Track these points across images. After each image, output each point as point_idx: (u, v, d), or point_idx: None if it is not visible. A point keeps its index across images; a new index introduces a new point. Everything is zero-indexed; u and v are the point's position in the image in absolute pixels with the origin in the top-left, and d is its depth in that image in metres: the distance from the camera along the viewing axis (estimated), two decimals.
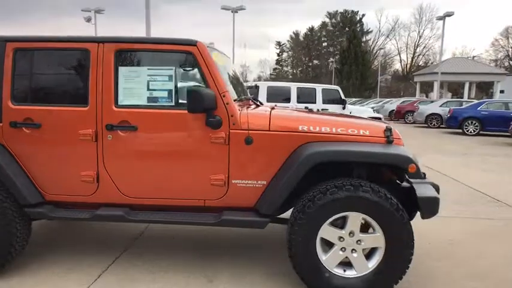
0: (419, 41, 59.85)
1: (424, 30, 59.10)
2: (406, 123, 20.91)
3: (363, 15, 67.53)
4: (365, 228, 2.69)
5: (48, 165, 2.91)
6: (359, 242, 2.67)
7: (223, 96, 2.77)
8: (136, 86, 2.84)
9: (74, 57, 2.88)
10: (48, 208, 2.92)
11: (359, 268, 2.70)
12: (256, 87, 9.56)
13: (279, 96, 9.64)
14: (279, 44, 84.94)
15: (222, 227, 2.89)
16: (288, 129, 2.80)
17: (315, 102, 9.96)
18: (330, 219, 2.64)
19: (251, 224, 2.79)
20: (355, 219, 2.64)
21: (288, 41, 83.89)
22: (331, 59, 59.81)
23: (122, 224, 3.84)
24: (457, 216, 4.70)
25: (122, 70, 2.83)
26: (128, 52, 2.85)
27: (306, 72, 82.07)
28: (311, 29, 79.28)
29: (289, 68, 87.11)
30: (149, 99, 2.83)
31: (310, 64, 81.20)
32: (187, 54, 2.81)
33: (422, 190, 2.76)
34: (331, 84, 55.10)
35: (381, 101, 28.69)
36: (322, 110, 9.91)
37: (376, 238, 2.64)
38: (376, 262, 2.67)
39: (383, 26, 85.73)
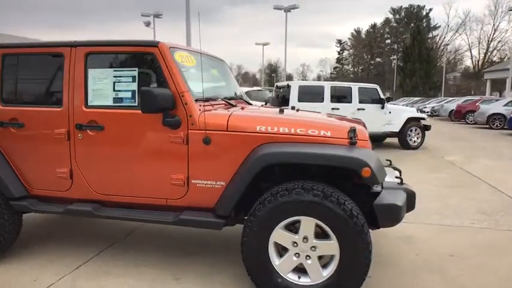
0: (493, 35, 54.92)
1: (499, 23, 54.17)
2: (467, 123, 19.27)
3: (430, 9, 63.72)
4: (324, 234, 2.55)
5: (30, 162, 3.15)
6: (313, 248, 2.54)
7: (182, 96, 2.79)
8: (103, 87, 2.96)
9: (51, 61, 3.08)
10: (31, 202, 3.16)
11: (313, 276, 2.56)
12: (288, 86, 9.43)
13: (311, 95, 9.42)
14: (339, 42, 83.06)
15: (180, 226, 2.90)
16: (246, 129, 2.74)
17: (351, 102, 9.58)
18: (282, 223, 2.54)
19: (206, 225, 2.78)
20: (308, 224, 2.51)
21: (349, 38, 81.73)
22: (394, 57, 57.07)
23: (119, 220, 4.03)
24: (471, 225, 4.26)
25: (91, 72, 2.97)
26: (97, 55, 2.98)
27: (368, 70, 79.29)
28: (373, 26, 76.43)
29: (350, 66, 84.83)
30: (115, 99, 2.94)
31: (372, 62, 78.30)
32: (149, 55, 2.87)
33: (387, 196, 2.57)
34: (393, 83, 52.59)
35: (443, 100, 26.79)
36: (358, 109, 9.53)
37: (331, 245, 2.49)
38: (331, 271, 2.52)
39: (452, 20, 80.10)
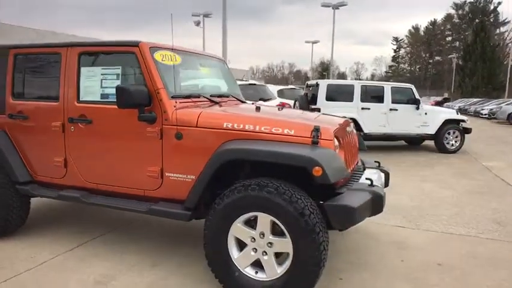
0: None
1: None
2: None
3: (499, 3, 59.06)
4: (281, 231, 2.57)
5: (34, 151, 3.49)
6: (270, 244, 2.57)
7: (158, 93, 2.94)
8: (93, 84, 3.20)
9: (51, 60, 3.38)
10: (33, 187, 3.50)
11: (268, 272, 2.60)
12: (317, 85, 9.32)
13: (340, 94, 9.23)
14: (396, 39, 79.77)
15: (153, 216, 3.05)
16: (214, 126, 2.83)
17: (382, 102, 9.26)
18: (241, 218, 2.60)
19: (174, 216, 2.91)
20: (264, 220, 2.55)
21: (407, 36, 78.20)
22: (453, 55, 53.64)
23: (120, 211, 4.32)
24: (477, 235, 3.99)
25: (83, 70, 3.23)
26: (88, 54, 3.23)
27: (425, 69, 75.35)
28: (433, 23, 72.49)
29: (406, 65, 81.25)
30: (102, 95, 3.17)
31: (431, 61, 74.33)
32: (131, 54, 3.06)
33: (346, 197, 2.54)
34: (452, 82, 49.42)
35: (504, 102, 24.79)
36: (391, 110, 9.20)
37: (285, 243, 2.51)
38: (284, 268, 2.54)
39: None
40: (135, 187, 3.11)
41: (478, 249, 3.65)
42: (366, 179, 2.82)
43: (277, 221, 2.50)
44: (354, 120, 8.94)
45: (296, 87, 12.47)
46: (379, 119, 9.20)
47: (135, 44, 3.03)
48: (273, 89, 11.79)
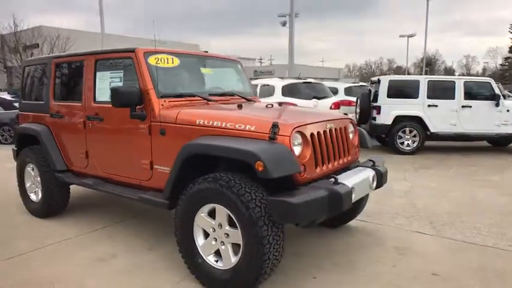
0: None
1: None
2: None
3: None
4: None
5: (67, 144, 4.13)
6: (226, 235, 2.70)
7: (147, 93, 3.26)
8: (104, 86, 3.68)
9: (79, 67, 3.95)
10: (67, 175, 4.14)
11: (225, 261, 2.73)
12: (378, 81, 8.83)
13: (403, 91, 8.61)
14: None
15: (142, 203, 3.38)
16: (189, 122, 3.04)
17: (453, 98, 8.39)
18: (203, 209, 2.77)
19: (155, 204, 3.20)
20: (221, 211, 2.68)
21: None
22: None
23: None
24: (504, 248, 3.49)
25: (98, 75, 3.73)
26: (101, 61, 3.72)
27: None
28: None
29: None
30: (109, 96, 3.61)
31: None
32: (129, 59, 3.44)
33: (292, 193, 2.55)
34: None
35: None
36: (464, 107, 8.32)
37: (237, 234, 2.61)
38: (237, 259, 2.64)
39: None
40: (134, 177, 3.49)
41: (493, 263, 3.22)
42: (332, 176, 2.75)
43: (230, 213, 2.61)
44: (419, 119, 8.33)
45: (366, 84, 11.91)
46: (448, 117, 8.38)
47: (132, 50, 3.40)
48: (341, 86, 11.50)
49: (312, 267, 3.13)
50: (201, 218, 2.80)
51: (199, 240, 2.86)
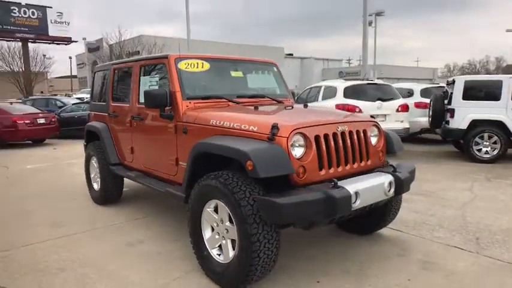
0: None
1: None
2: None
3: None
4: None
5: (120, 140, 4.64)
6: (227, 230, 2.82)
7: (174, 95, 3.55)
8: (144, 89, 4.06)
9: (129, 73, 4.42)
10: (118, 168, 4.65)
11: (225, 256, 2.85)
12: (453, 82, 8.05)
13: (482, 92, 7.72)
14: None
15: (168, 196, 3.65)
16: (204, 122, 3.24)
17: None
18: (209, 204, 2.94)
19: (175, 197, 3.44)
20: (222, 208, 2.82)
21: None
22: None
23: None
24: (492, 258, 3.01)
25: (142, 79, 4.14)
26: (144, 67, 4.12)
27: None
28: None
29: None
30: (144, 98, 3.97)
31: None
32: (164, 64, 3.76)
33: (283, 194, 2.57)
34: None
35: None
36: None
37: (234, 230, 2.72)
38: (234, 254, 2.74)
39: None
40: (165, 172, 3.81)
41: (471, 268, 2.82)
42: (330, 181, 2.68)
43: (228, 209, 2.73)
44: (500, 123, 7.46)
45: (443, 85, 10.91)
46: None
47: (165, 56, 3.72)
48: (417, 88, 10.75)
49: (319, 272, 3.08)
50: (207, 212, 2.96)
51: (207, 234, 3.02)
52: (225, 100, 3.72)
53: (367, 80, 9.00)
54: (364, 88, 8.39)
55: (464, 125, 7.72)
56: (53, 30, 37.32)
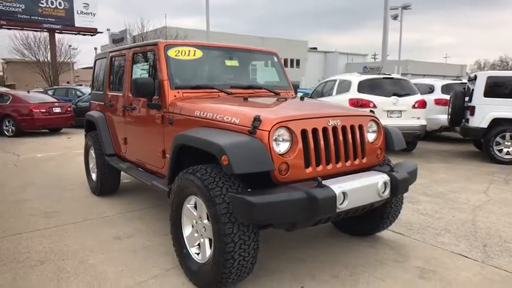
0: None
1: None
2: None
3: None
4: None
5: (115, 131, 4.54)
6: (204, 228, 2.66)
7: (162, 84, 3.39)
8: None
9: (123, 61, 4.30)
10: (113, 159, 4.55)
11: (202, 255, 2.69)
12: (475, 78, 7.58)
13: (505, 89, 7.22)
14: None
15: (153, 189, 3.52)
16: (189, 113, 3.07)
17: None
18: (188, 200, 2.78)
19: (160, 190, 3.30)
20: (200, 204, 2.65)
21: None
22: None
23: None
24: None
25: (134, 67, 4.01)
26: (136, 54, 3.98)
27: None
28: None
29: None
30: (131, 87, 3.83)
31: None
32: (153, 52, 3.61)
33: (261, 192, 2.38)
34: None
35: None
36: None
37: (211, 229, 2.55)
38: (210, 254, 2.58)
39: None
40: (154, 164, 3.68)
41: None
42: (315, 179, 2.46)
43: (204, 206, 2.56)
44: None
45: (466, 81, 10.35)
46: None
47: (155, 43, 3.57)
48: (437, 83, 10.25)
49: (306, 276, 2.88)
50: (187, 208, 2.81)
51: (186, 231, 2.87)
52: (216, 90, 3.54)
53: (384, 74, 8.59)
54: (379, 83, 8.02)
55: (484, 124, 7.27)
56: (79, 21, 37.86)
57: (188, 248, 2.83)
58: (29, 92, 12.63)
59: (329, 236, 3.66)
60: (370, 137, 3.05)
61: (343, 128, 2.81)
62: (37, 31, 35.80)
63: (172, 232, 2.95)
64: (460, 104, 7.87)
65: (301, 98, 3.57)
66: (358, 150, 2.89)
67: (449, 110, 8.19)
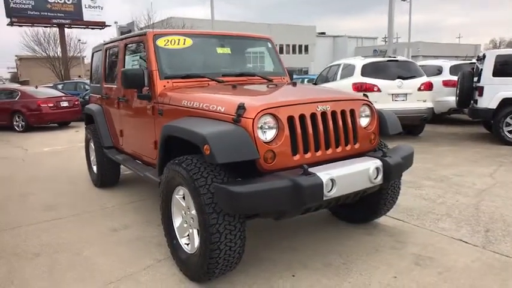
0: None
1: None
2: None
3: None
4: None
5: (112, 123, 4.53)
6: (193, 219, 2.63)
7: (152, 74, 3.35)
8: None
9: (117, 52, 4.25)
10: (111, 151, 4.56)
11: (191, 246, 2.67)
12: (484, 57, 7.32)
13: None
14: None
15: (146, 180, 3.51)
16: (177, 103, 3.03)
17: None
18: (176, 191, 2.75)
19: (151, 181, 3.29)
20: (187, 195, 2.62)
21: None
22: None
23: None
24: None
25: (127, 59, 3.97)
26: (128, 45, 3.93)
27: None
28: None
29: None
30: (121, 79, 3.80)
31: None
32: (143, 42, 3.56)
33: (246, 181, 2.32)
34: None
35: None
36: None
37: (197, 219, 2.52)
38: (197, 245, 2.56)
39: None
40: (147, 155, 3.66)
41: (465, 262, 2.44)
42: (301, 167, 2.39)
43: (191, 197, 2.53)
44: None
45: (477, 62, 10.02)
46: None
47: (144, 33, 3.51)
48: (446, 64, 9.96)
49: (298, 265, 2.84)
50: (176, 199, 2.78)
51: (177, 222, 2.85)
52: (207, 79, 3.48)
53: (389, 56, 8.38)
54: (384, 66, 7.84)
55: (494, 104, 7.05)
56: (87, 15, 37.99)
57: (178, 239, 2.81)
58: (36, 87, 12.78)
59: (326, 224, 3.61)
60: (363, 121, 2.96)
61: (333, 113, 2.73)
62: (47, 27, 36.04)
63: (164, 223, 2.94)
64: (468, 84, 7.65)
65: (293, 84, 3.48)
66: (349, 136, 2.81)
67: (457, 91, 7.97)
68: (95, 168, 5.08)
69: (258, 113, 2.42)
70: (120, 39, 4.11)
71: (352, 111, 2.84)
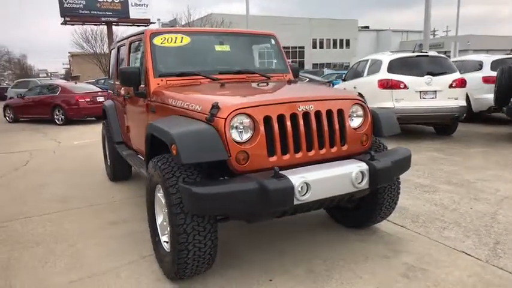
0: None
1: None
2: None
3: None
4: None
5: (121, 120, 4.66)
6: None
7: (147, 72, 3.38)
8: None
9: (124, 50, 4.35)
10: (121, 147, 4.69)
11: (168, 244, 2.67)
12: None
13: None
14: None
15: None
16: (165, 102, 3.04)
17: None
18: (157, 189, 2.76)
19: (143, 175, 3.32)
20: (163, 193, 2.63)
21: None
22: None
23: None
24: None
25: (131, 57, 4.05)
26: (133, 43, 4.00)
27: None
28: None
29: None
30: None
31: None
32: (141, 41, 3.60)
33: (211, 183, 2.29)
34: None
35: None
36: None
37: None
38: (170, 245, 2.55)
39: None
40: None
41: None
42: (274, 170, 2.30)
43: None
44: None
45: None
46: None
47: (143, 32, 3.56)
48: (487, 59, 9.28)
49: (279, 269, 2.76)
50: (158, 197, 2.80)
51: (159, 219, 2.87)
52: (201, 77, 3.46)
53: (420, 52, 7.93)
54: (412, 61, 7.44)
55: None
56: (133, 13, 39.48)
57: (160, 236, 2.83)
58: (76, 83, 13.47)
59: (323, 227, 3.49)
60: (355, 122, 2.82)
61: (318, 113, 2.61)
62: (96, 25, 37.90)
63: (148, 220, 2.97)
64: (507, 81, 7.06)
65: (289, 82, 3.38)
66: (336, 137, 2.67)
67: (495, 88, 7.39)
68: (109, 162, 5.26)
69: (231, 112, 2.37)
70: (126, 37, 4.20)
71: (340, 111, 2.71)
